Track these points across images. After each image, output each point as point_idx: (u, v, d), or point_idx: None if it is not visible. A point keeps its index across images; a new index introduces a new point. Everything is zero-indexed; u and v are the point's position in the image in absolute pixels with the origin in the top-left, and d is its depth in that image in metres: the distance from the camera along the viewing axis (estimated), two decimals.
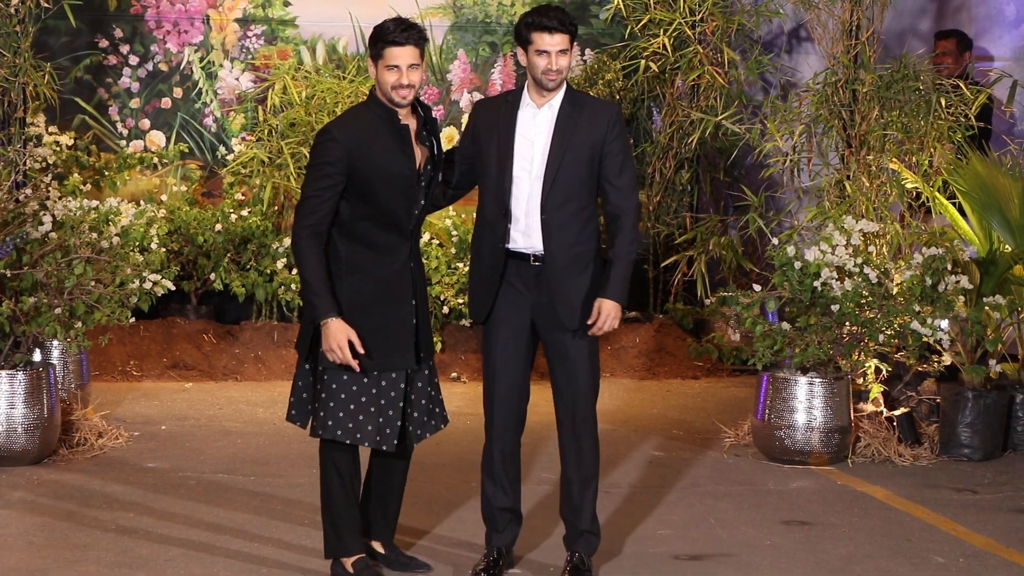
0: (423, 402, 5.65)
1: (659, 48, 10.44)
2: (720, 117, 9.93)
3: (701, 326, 10.81)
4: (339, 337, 5.34)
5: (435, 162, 5.61)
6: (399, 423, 5.52)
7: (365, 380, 5.48)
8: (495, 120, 5.72)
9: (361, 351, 5.40)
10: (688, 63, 10.47)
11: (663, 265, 10.57)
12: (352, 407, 5.48)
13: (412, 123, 5.53)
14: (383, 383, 5.51)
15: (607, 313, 5.58)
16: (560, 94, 5.64)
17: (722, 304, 9.08)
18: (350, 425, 5.47)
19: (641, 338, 10.54)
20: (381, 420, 5.49)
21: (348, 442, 5.51)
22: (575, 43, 5.67)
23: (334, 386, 5.49)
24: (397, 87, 5.40)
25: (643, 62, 10.50)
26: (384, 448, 5.53)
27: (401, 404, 5.52)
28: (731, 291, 8.14)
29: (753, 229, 9.15)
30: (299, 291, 8.39)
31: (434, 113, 6.72)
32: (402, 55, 5.41)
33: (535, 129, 5.65)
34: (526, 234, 5.65)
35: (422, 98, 6.70)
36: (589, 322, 5.62)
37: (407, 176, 5.46)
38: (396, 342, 5.51)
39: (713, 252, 10.26)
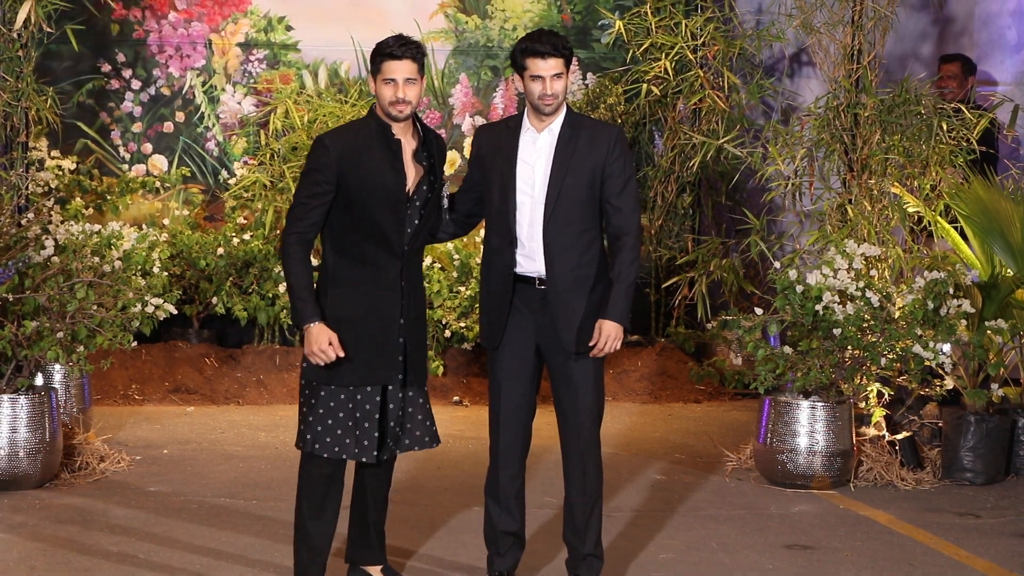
0: (413, 418, 5.59)
1: (661, 72, 10.37)
2: (722, 141, 9.87)
3: (703, 350, 10.72)
4: (320, 340, 5.30)
5: (432, 184, 5.54)
6: (376, 434, 5.47)
7: (342, 396, 5.45)
8: (497, 146, 5.68)
9: (342, 354, 5.36)
10: (690, 87, 10.39)
11: (664, 286, 10.45)
12: (330, 422, 5.45)
13: (409, 141, 5.48)
14: (359, 396, 5.46)
15: (608, 334, 5.52)
16: (560, 118, 5.61)
17: (724, 328, 9.09)
18: (328, 439, 5.44)
19: (643, 362, 10.46)
20: (358, 433, 5.44)
21: (326, 456, 5.47)
22: (571, 66, 5.62)
23: (314, 401, 5.44)
24: (394, 101, 5.37)
25: (645, 86, 10.44)
26: (364, 459, 5.49)
27: (378, 416, 5.48)
28: (733, 314, 8.12)
29: (755, 252, 9.22)
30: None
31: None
32: (399, 69, 5.38)
33: (536, 153, 5.61)
34: (530, 257, 5.61)
35: (425, 121, 6.61)
36: (591, 344, 5.57)
37: (395, 192, 5.41)
38: (378, 358, 5.45)
39: (715, 275, 10.19)
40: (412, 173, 5.45)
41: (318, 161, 5.40)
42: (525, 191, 5.60)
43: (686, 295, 10.44)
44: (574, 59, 6.67)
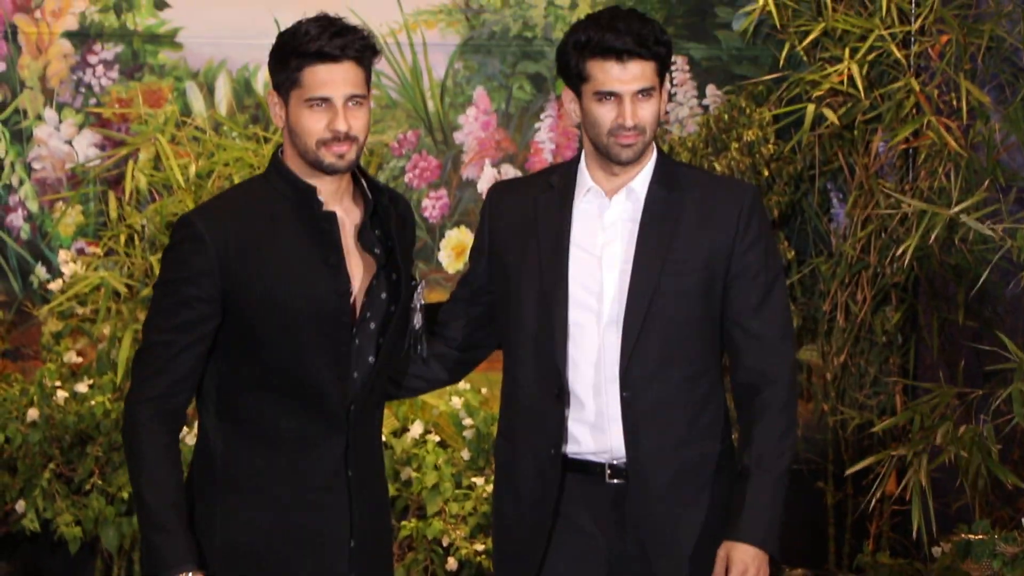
0: None
1: (842, 83, 7.56)
2: (956, 208, 7.24)
3: None
4: None
5: (393, 289, 4.49)
6: None
7: None
8: (529, 222, 4.69)
9: None
10: (896, 110, 7.62)
11: (849, 473, 7.90)
12: None
13: (349, 211, 4.48)
14: None
15: (742, 567, 4.46)
16: (647, 169, 4.62)
17: (965, 555, 6.74)
18: None
19: None
20: None
21: None
22: (669, 75, 4.63)
23: None
24: (327, 140, 4.33)
25: (812, 108, 7.60)
26: None
27: None
28: (982, 530, 6.52)
29: (1021, 415, 6.91)
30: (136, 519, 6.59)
31: (429, 204, 7.27)
32: (335, 79, 4.35)
33: (605, 235, 4.63)
34: (597, 427, 4.59)
35: (384, 167, 6.66)
36: None
37: (331, 309, 4.37)
38: None
39: (946, 454, 7.52)
40: (358, 270, 4.43)
41: (186, 265, 4.38)
42: (585, 303, 4.59)
43: (892, 493, 7.79)
44: (678, 61, 7.13)
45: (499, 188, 5.05)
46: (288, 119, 4.49)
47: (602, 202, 4.70)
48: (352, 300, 4.52)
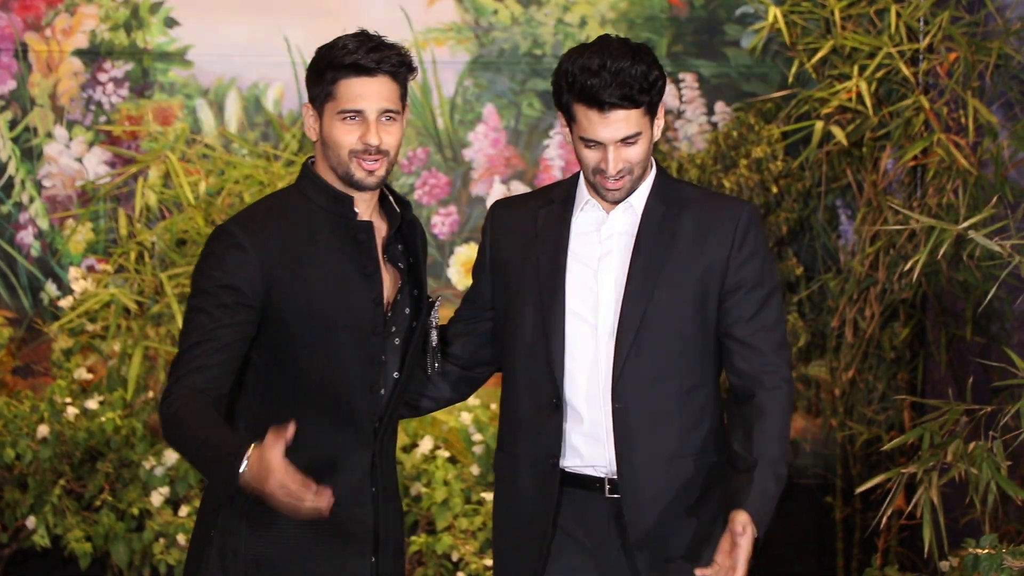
0: None
1: (850, 100, 7.61)
2: (964, 225, 6.94)
3: None
4: (274, 469, 4.02)
5: (416, 302, 4.51)
6: None
7: None
8: (530, 236, 4.69)
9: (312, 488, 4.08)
10: (904, 128, 7.63)
11: (860, 491, 7.50)
12: None
13: (378, 225, 4.48)
14: None
15: (742, 526, 4.35)
16: (645, 185, 4.61)
17: (973, 569, 6.63)
18: None
19: None
20: None
21: None
22: (659, 109, 4.49)
23: None
24: (360, 153, 4.34)
25: (821, 125, 7.60)
26: None
27: None
28: (989, 546, 6.41)
29: None
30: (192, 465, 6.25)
31: (439, 220, 7.28)
32: (369, 92, 4.35)
33: (602, 248, 4.62)
34: (592, 437, 4.56)
35: (393, 184, 6.11)
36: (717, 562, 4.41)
37: (367, 318, 4.39)
38: None
39: (955, 470, 7.23)
40: (386, 284, 4.46)
41: (228, 273, 4.33)
42: (582, 315, 4.58)
43: (901, 509, 7.75)
44: (687, 78, 7.31)
45: (500, 205, 5.02)
46: (321, 131, 4.48)
47: (600, 215, 4.69)
48: (385, 310, 4.54)
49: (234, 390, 4.45)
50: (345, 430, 4.45)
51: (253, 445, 4.20)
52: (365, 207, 4.51)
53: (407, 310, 4.53)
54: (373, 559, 4.49)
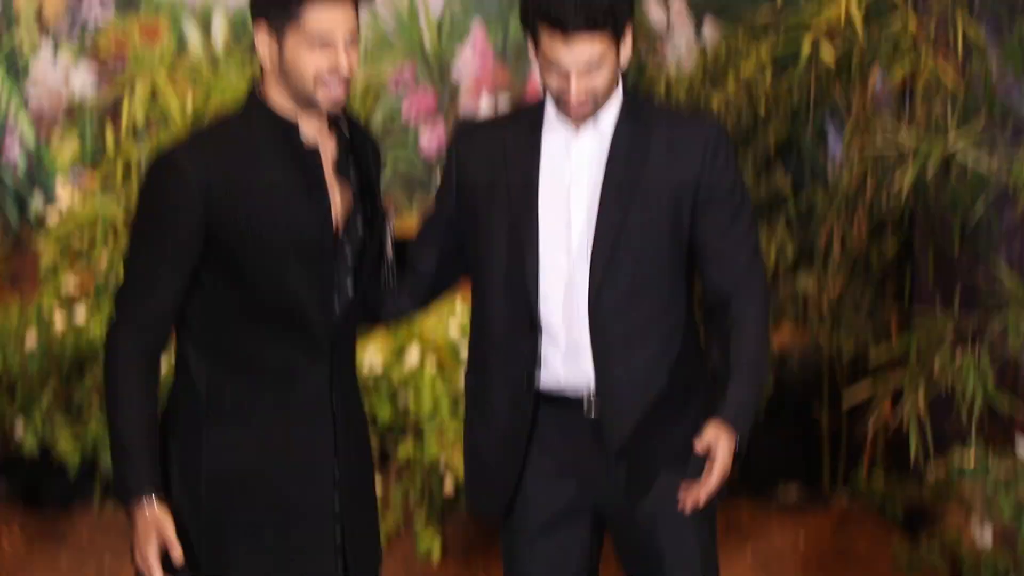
0: None
1: (839, 19, 7.66)
2: (954, 143, 7.37)
3: (920, 515, 8.40)
4: (145, 533, 4.26)
5: (370, 217, 4.51)
6: None
7: None
8: (499, 158, 4.60)
9: (179, 559, 4.24)
10: (893, 47, 7.71)
11: (848, 407, 8.02)
12: None
13: (326, 143, 4.42)
14: None
15: (717, 442, 4.39)
16: (613, 106, 4.51)
17: (959, 476, 7.27)
18: None
19: (809, 534, 8.14)
20: None
21: None
22: (629, 31, 4.37)
23: None
24: (323, 79, 4.26)
25: (809, 44, 7.68)
26: None
27: None
28: (975, 451, 6.87)
29: (1015, 342, 7.05)
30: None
31: (426, 139, 7.41)
32: (338, 18, 4.27)
33: (571, 168, 4.53)
34: (570, 357, 4.53)
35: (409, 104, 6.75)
36: (690, 478, 4.51)
37: (315, 238, 4.37)
38: (299, 543, 4.45)
39: (940, 380, 7.59)
40: (337, 201, 4.44)
41: (170, 200, 4.32)
42: (555, 236, 4.53)
43: (888, 419, 7.84)
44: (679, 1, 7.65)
45: (466, 126, 4.97)
46: (280, 57, 4.43)
47: (568, 135, 4.65)
48: (335, 230, 4.56)
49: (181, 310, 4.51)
50: (300, 345, 4.46)
51: (146, 494, 4.30)
52: (313, 130, 4.52)
53: (357, 225, 4.54)
54: (335, 475, 4.55)
